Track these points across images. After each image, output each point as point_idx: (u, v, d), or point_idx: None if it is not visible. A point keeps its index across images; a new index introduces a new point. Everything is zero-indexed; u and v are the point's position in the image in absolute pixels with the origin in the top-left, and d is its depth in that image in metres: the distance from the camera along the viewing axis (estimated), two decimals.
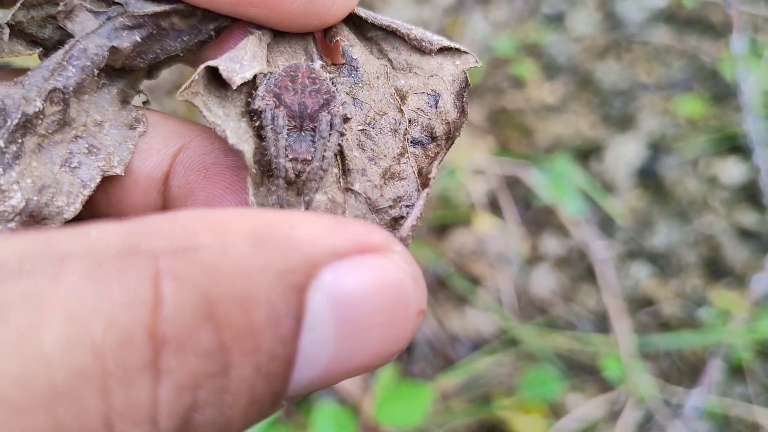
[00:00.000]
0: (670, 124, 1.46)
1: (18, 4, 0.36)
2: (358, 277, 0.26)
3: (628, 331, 1.19)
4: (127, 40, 0.37)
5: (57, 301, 0.21)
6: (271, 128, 0.34)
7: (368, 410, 1.06)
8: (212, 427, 0.24)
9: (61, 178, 0.35)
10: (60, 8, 0.37)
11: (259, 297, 0.24)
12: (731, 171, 1.39)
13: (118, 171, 0.37)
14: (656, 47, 1.57)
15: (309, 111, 0.35)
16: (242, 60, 0.36)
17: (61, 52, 0.36)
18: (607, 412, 1.15)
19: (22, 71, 0.37)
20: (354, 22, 0.40)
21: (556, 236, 1.35)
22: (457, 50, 0.39)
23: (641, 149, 1.44)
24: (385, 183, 0.36)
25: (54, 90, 0.35)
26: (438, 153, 0.37)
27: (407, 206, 0.36)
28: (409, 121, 0.37)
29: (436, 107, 0.37)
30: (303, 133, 0.35)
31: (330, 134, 0.35)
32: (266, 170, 0.35)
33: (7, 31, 0.36)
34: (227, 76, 0.35)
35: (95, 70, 0.36)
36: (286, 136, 0.34)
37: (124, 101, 0.39)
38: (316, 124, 0.35)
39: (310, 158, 0.34)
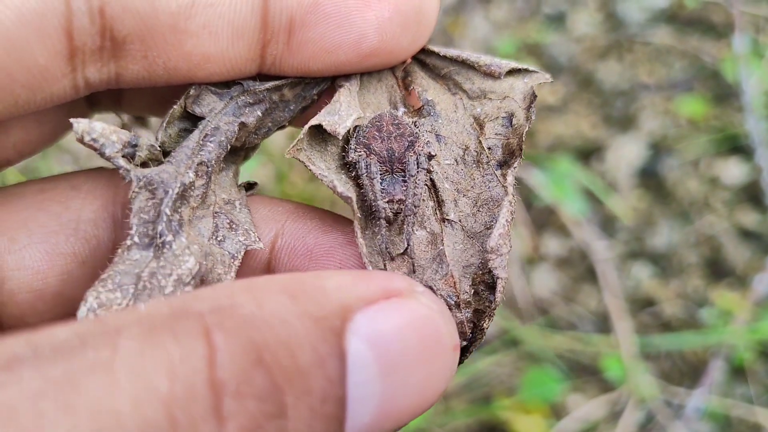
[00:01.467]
0: (671, 125, 1.46)
1: (163, 126, 0.39)
2: (390, 318, 0.28)
3: (629, 331, 1.18)
4: (251, 116, 0.40)
5: (120, 364, 0.23)
6: (366, 175, 0.38)
7: None
8: None
9: (212, 250, 0.37)
10: (191, 92, 0.39)
11: (302, 340, 0.26)
12: (732, 171, 1.39)
13: (261, 246, 0.39)
14: (657, 47, 1.56)
15: (397, 154, 0.39)
16: (339, 111, 0.39)
17: (196, 132, 0.38)
18: (608, 413, 1.15)
19: None
20: (425, 62, 0.42)
21: (557, 236, 1.35)
22: (526, 70, 0.41)
23: (642, 150, 1.44)
24: (478, 210, 0.39)
25: (201, 163, 0.37)
26: (515, 161, 0.39)
27: None
28: (490, 148, 0.40)
29: (511, 126, 0.40)
30: (395, 176, 0.38)
31: (418, 172, 0.38)
32: (368, 215, 0.38)
33: (160, 152, 0.38)
34: (331, 129, 0.38)
35: (228, 146, 0.39)
36: (381, 181, 0.38)
37: (237, 185, 0.42)
38: (404, 166, 0.38)
39: (403, 197, 0.37)
